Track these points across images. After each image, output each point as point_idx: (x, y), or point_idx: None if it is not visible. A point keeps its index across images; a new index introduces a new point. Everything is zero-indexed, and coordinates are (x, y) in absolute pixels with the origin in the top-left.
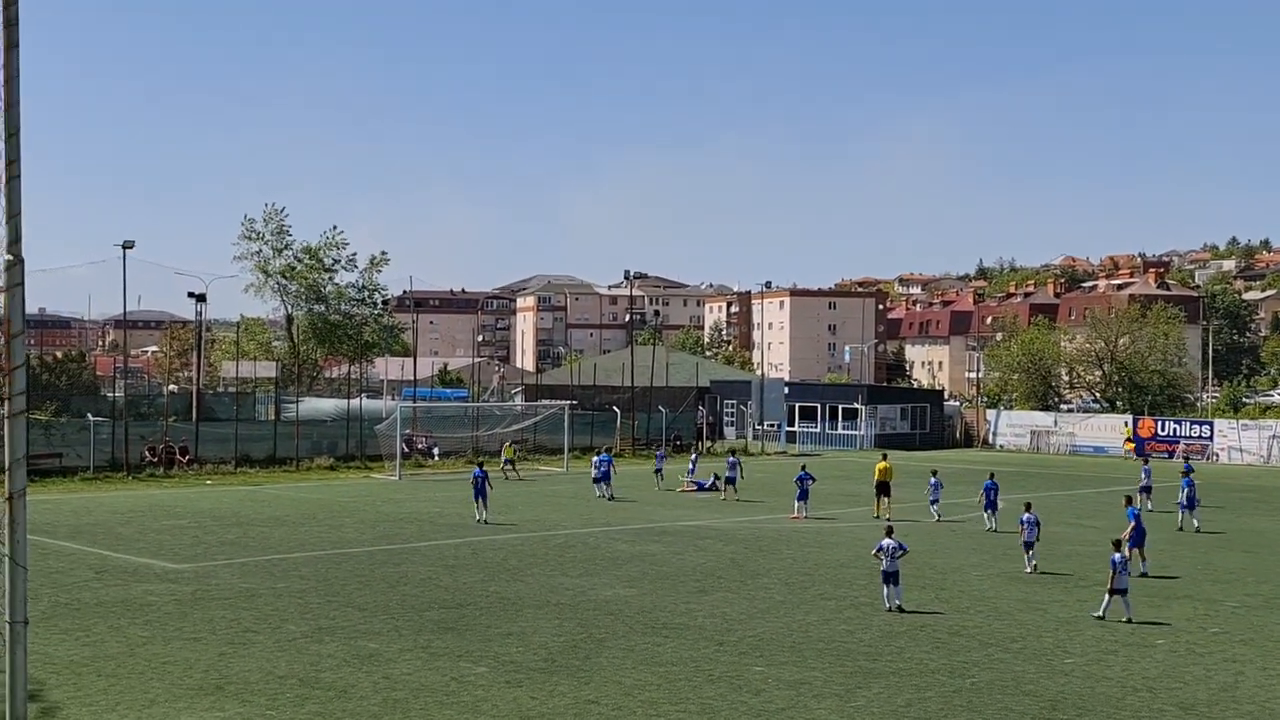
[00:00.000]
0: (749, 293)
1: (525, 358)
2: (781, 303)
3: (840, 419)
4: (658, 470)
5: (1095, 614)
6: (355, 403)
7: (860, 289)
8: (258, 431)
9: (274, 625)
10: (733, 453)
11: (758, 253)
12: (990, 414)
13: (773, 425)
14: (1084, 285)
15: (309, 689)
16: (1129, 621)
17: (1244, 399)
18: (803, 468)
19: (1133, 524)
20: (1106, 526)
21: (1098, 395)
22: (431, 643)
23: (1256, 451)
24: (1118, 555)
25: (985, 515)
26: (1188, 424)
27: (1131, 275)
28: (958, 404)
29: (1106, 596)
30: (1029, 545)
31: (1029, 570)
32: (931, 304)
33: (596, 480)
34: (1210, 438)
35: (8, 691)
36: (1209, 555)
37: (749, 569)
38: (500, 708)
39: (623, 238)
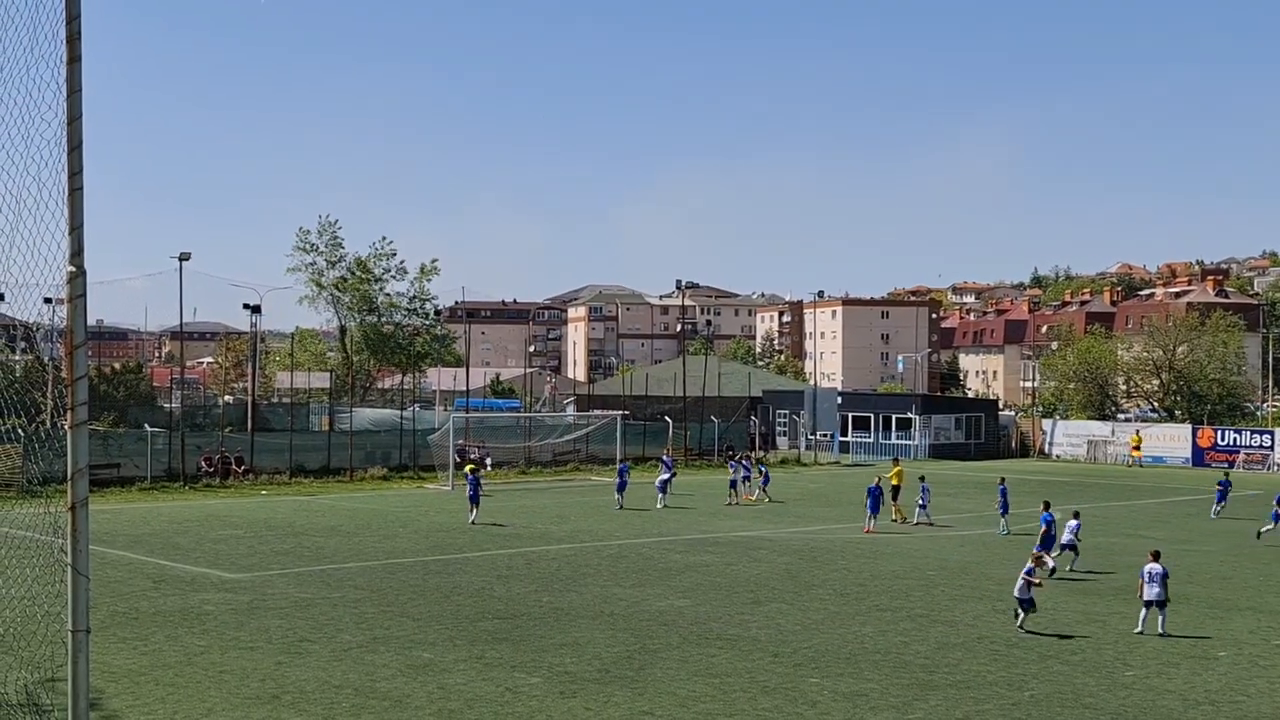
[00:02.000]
0: (801, 302)
1: (577, 368)
2: (834, 312)
3: (894, 429)
4: (734, 483)
5: (1136, 629)
6: (409, 413)
7: (913, 298)
8: (312, 442)
9: (329, 635)
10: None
11: (809, 262)
12: (1046, 423)
13: (826, 435)
14: (1141, 293)
15: (364, 699)
16: (1162, 635)
17: None
18: (921, 479)
19: (1044, 528)
20: (1166, 536)
21: (1155, 404)
22: (485, 653)
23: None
24: (1155, 567)
25: (1002, 520)
26: (1248, 433)
27: (1189, 283)
28: (1013, 414)
29: (1143, 610)
30: (1071, 548)
31: (1069, 569)
32: (986, 313)
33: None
34: (1271, 447)
35: (69, 700)
36: (1271, 566)
37: (803, 580)
38: (554, 718)
39: (674, 248)
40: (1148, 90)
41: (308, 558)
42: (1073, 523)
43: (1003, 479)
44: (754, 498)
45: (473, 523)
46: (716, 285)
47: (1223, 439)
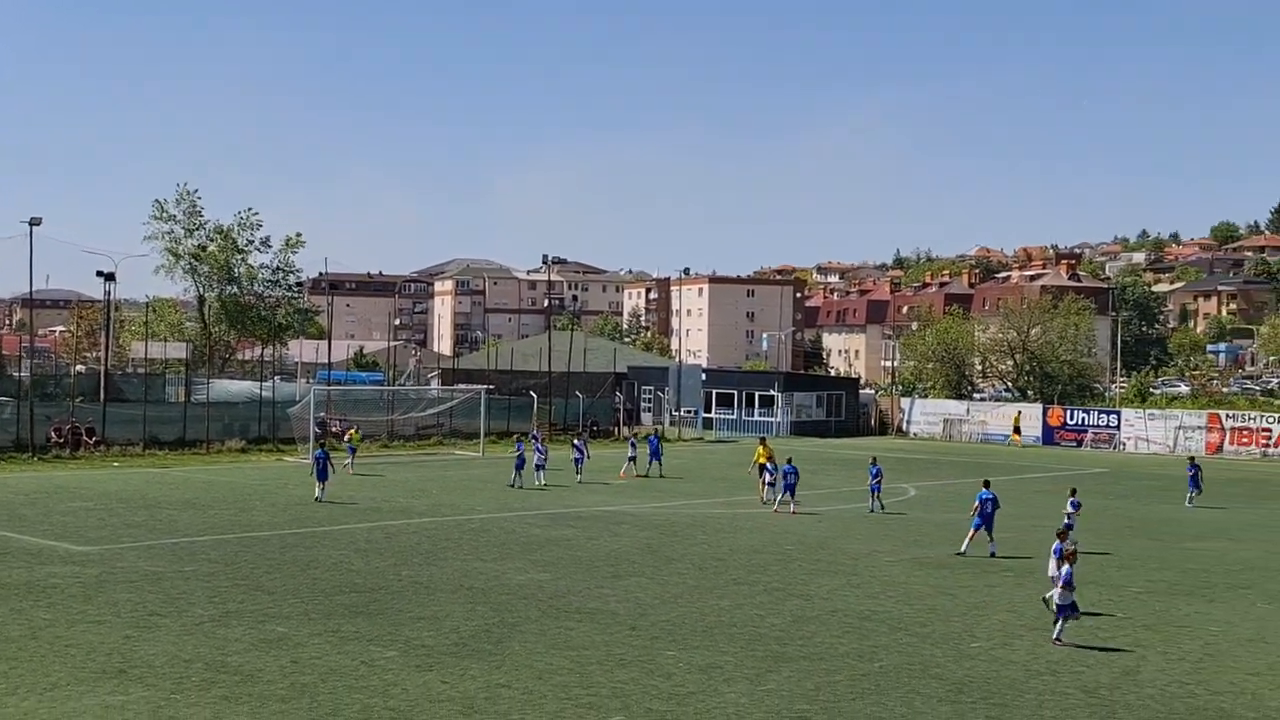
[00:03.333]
0: (668, 279)
1: (442, 342)
2: (700, 289)
3: (757, 406)
4: (577, 460)
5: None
6: (268, 385)
7: (779, 277)
8: (167, 413)
9: (180, 609)
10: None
11: (677, 240)
12: (905, 402)
13: (690, 411)
14: (998, 276)
15: (215, 673)
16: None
17: (1151, 389)
18: (873, 460)
19: (977, 505)
20: (1016, 513)
21: (1009, 384)
22: (341, 627)
23: (1162, 441)
24: (1059, 544)
25: (871, 499)
26: (1096, 413)
27: (1044, 266)
28: (873, 392)
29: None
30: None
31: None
32: (849, 293)
33: (520, 468)
34: (1118, 427)
35: None
36: (1114, 541)
37: (663, 554)
38: (410, 691)
39: (543, 223)
40: (1008, 77)
41: (160, 531)
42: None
43: (874, 458)
44: (626, 474)
45: (318, 499)
46: (584, 261)
47: (1072, 419)
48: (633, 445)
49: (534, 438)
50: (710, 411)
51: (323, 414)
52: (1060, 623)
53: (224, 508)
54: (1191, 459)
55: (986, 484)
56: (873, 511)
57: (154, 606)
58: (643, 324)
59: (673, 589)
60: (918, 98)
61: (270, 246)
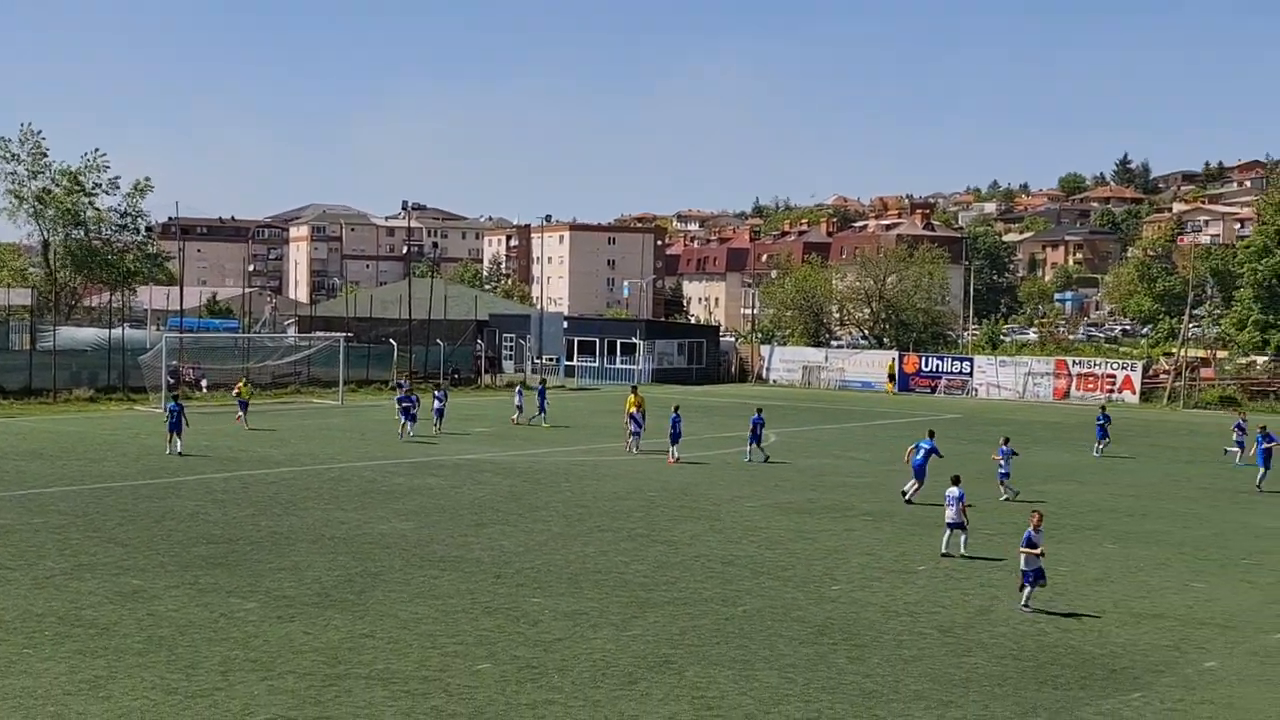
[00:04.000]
0: (528, 226)
1: (299, 289)
2: (561, 237)
3: (619, 354)
4: (438, 410)
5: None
6: (118, 332)
7: (639, 225)
8: (11, 361)
9: (30, 562)
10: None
11: (538, 187)
12: (765, 349)
13: (552, 359)
14: (855, 225)
15: (69, 627)
16: (964, 557)
17: (1002, 336)
18: (758, 411)
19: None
20: (874, 458)
21: (866, 332)
22: (199, 579)
23: (1012, 387)
24: (953, 491)
25: (748, 448)
26: (949, 360)
27: (899, 216)
28: (733, 340)
29: (945, 531)
30: (1005, 476)
31: (1006, 498)
32: (709, 241)
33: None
34: (970, 374)
35: None
36: (967, 486)
37: (527, 502)
38: (271, 643)
39: (400, 169)
40: (867, 28)
41: (7, 482)
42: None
43: (759, 409)
44: (535, 423)
45: (179, 454)
46: (443, 208)
47: (927, 365)
48: (519, 393)
49: (438, 396)
50: (572, 359)
51: (175, 362)
52: (1028, 589)
53: (73, 458)
54: (1103, 408)
55: (931, 434)
56: (749, 461)
57: (3, 560)
58: (504, 271)
59: (537, 537)
60: (776, 47)
61: (118, 189)
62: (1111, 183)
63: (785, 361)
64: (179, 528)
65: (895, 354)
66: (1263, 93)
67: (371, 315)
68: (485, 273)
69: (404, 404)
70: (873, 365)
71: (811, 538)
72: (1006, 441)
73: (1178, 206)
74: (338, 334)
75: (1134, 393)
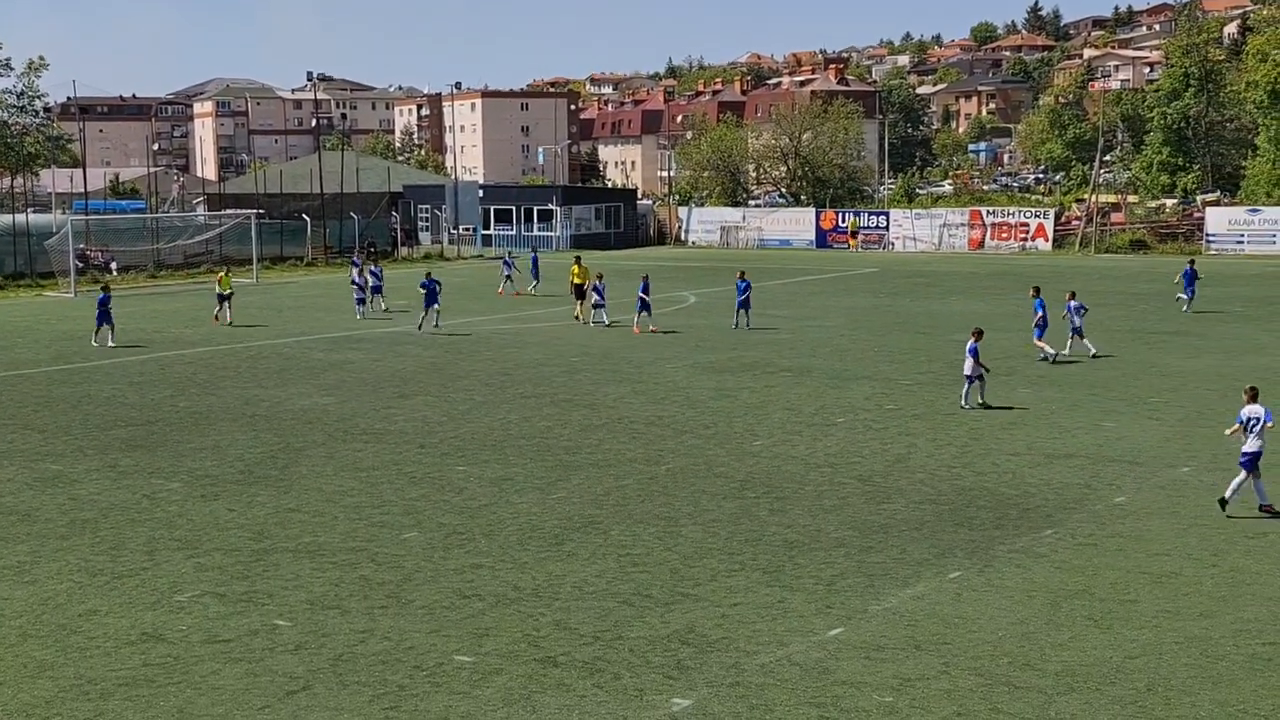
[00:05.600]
0: (439, 95)
1: (206, 166)
2: (473, 105)
3: (536, 221)
4: (376, 288)
5: (963, 405)
6: (21, 218)
7: (552, 90)
8: None
9: None
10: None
11: (447, 53)
12: (682, 211)
13: (469, 229)
14: (769, 83)
15: None
16: (984, 406)
17: (917, 190)
18: (741, 275)
19: (1039, 314)
20: (792, 314)
21: (783, 190)
22: (119, 461)
23: (928, 240)
24: (973, 344)
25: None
26: (866, 215)
27: (814, 72)
28: (651, 203)
29: (965, 384)
30: (1077, 331)
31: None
32: (623, 104)
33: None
34: (887, 228)
35: None
36: (885, 338)
37: (449, 372)
38: (196, 521)
39: (306, 39)
40: None
41: None
42: (1072, 303)
43: (742, 272)
44: (529, 291)
45: (110, 345)
46: (351, 78)
47: (844, 221)
48: (507, 264)
49: (355, 264)
50: (489, 228)
51: (82, 245)
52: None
53: None
54: (1191, 261)
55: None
56: (736, 328)
57: None
58: (416, 142)
59: (460, 406)
60: None
61: (11, 70)
62: (1023, 31)
63: (703, 223)
64: (96, 412)
65: (855, 214)
66: None
67: (282, 191)
68: (398, 144)
69: (371, 281)
70: (790, 224)
71: (733, 395)
72: (1073, 296)
73: (1088, 53)
74: (248, 211)
75: (1047, 240)
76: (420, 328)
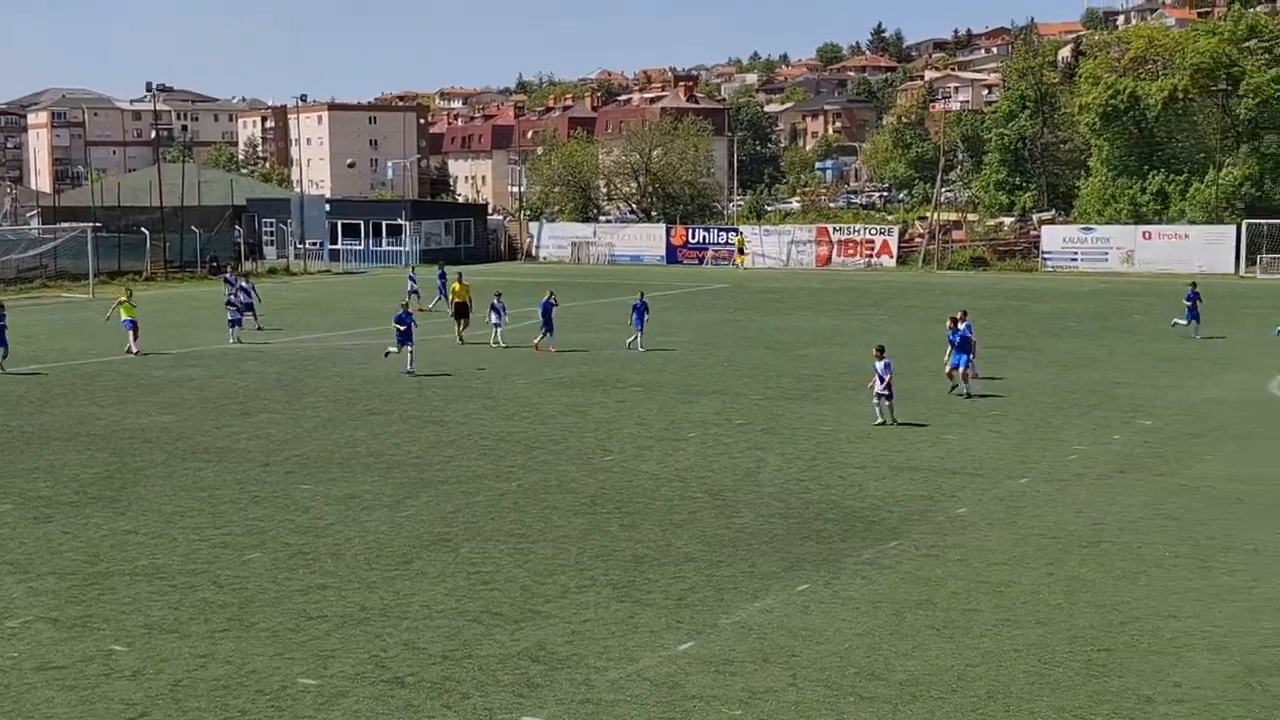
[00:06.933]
0: (285, 107)
1: (40, 178)
2: (320, 117)
3: (384, 236)
4: (248, 305)
5: (876, 422)
6: None
7: (401, 103)
8: None
9: None
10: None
11: (293, 65)
12: (533, 227)
13: (315, 244)
14: (620, 99)
15: None
16: (894, 423)
17: (766, 206)
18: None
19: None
20: (646, 330)
21: (634, 206)
22: None
23: (777, 256)
24: (879, 363)
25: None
26: (715, 231)
27: (664, 89)
28: (501, 218)
29: (874, 400)
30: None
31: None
32: (474, 119)
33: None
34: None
35: None
36: (734, 353)
37: (295, 389)
38: (29, 544)
39: (146, 49)
40: None
41: None
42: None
43: (642, 293)
44: (431, 308)
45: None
46: (194, 89)
47: (694, 237)
48: (411, 280)
49: (228, 281)
50: (336, 243)
51: None
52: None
53: None
54: (1193, 284)
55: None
56: (630, 347)
57: None
58: (260, 155)
59: (306, 423)
60: None
61: None
62: (867, 52)
63: (555, 238)
64: None
65: (743, 229)
66: None
67: (120, 204)
68: (241, 156)
69: (240, 297)
70: (642, 239)
71: (584, 411)
72: (964, 317)
73: (929, 74)
74: (84, 224)
75: (891, 257)
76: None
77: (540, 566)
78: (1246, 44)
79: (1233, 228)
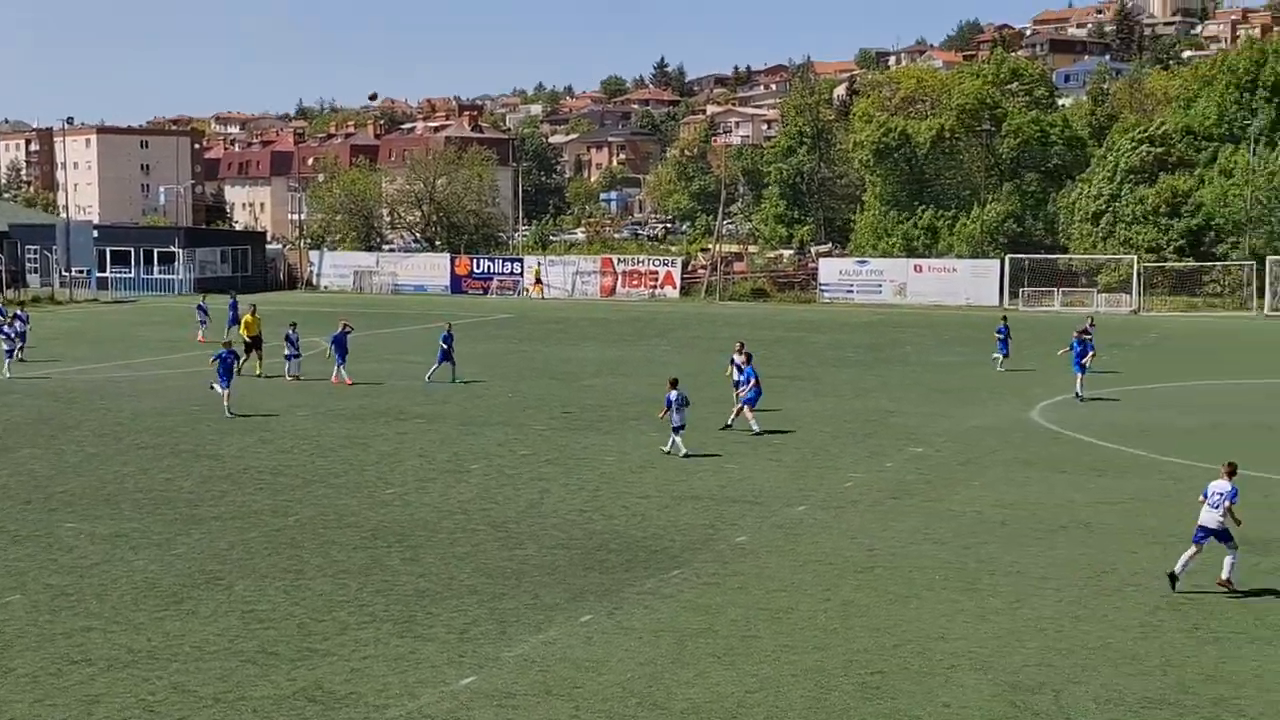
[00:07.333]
0: (50, 130)
1: None
2: (88, 141)
3: (157, 263)
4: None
5: (663, 449)
6: None
7: (174, 127)
8: None
9: None
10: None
11: (59, 87)
12: (314, 255)
13: (82, 272)
14: (403, 127)
15: None
16: (685, 455)
17: (551, 237)
18: (448, 326)
19: (752, 382)
20: (427, 360)
21: (418, 235)
22: None
23: (562, 286)
24: (673, 394)
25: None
26: (500, 261)
27: (448, 118)
28: (281, 246)
29: (672, 435)
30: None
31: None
32: (251, 144)
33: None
34: (521, 274)
35: None
36: (520, 383)
37: (58, 423)
38: None
39: None
40: None
41: None
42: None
43: (449, 324)
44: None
45: None
46: None
47: (479, 267)
48: (201, 309)
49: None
50: (105, 271)
51: None
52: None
53: None
54: (1004, 318)
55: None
56: (431, 380)
57: None
58: (24, 179)
59: (70, 459)
60: None
61: None
62: (650, 85)
63: (336, 267)
64: None
65: (536, 260)
66: (785, 3)
67: None
68: (4, 180)
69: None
70: (426, 269)
71: (365, 443)
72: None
73: (711, 109)
74: None
75: (675, 288)
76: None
77: (318, 603)
78: (1008, 86)
79: (997, 262)
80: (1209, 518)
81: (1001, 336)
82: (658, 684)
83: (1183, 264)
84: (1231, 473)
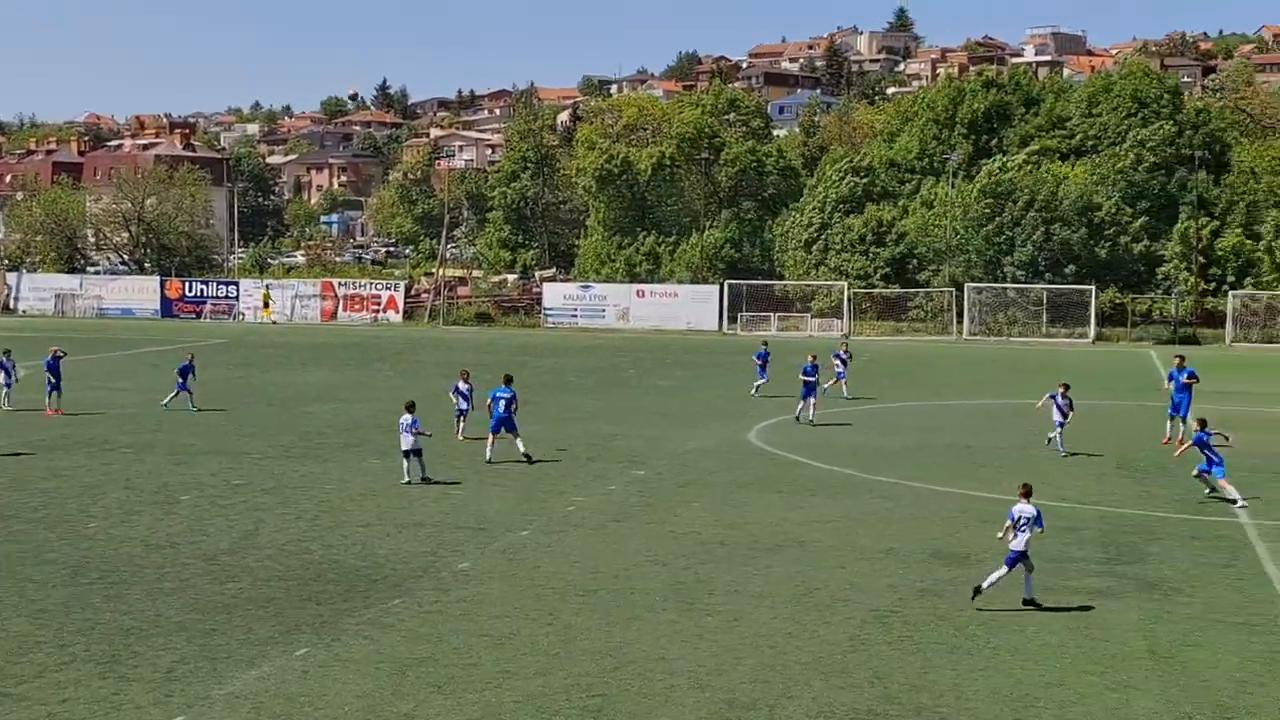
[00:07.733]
0: None
1: None
2: None
3: None
4: None
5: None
6: None
7: None
8: None
9: None
10: None
11: None
12: (12, 277)
13: None
14: (110, 144)
15: None
16: (421, 480)
17: (269, 259)
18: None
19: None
20: (136, 387)
21: (126, 257)
22: None
23: (281, 310)
24: (406, 418)
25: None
26: (215, 284)
27: (158, 135)
28: None
29: (404, 461)
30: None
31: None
32: None
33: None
34: (237, 298)
35: None
36: (235, 409)
37: None
38: None
39: None
40: None
41: None
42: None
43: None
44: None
45: None
46: None
47: (191, 290)
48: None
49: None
50: None
51: None
52: None
53: None
54: (764, 343)
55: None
56: (169, 408)
57: None
58: None
59: None
60: None
61: None
62: (372, 107)
63: (36, 290)
64: None
65: (266, 283)
66: (508, 28)
67: None
68: None
69: None
70: (134, 291)
71: (67, 475)
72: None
73: (435, 132)
74: None
75: (398, 312)
76: None
77: (13, 644)
78: (726, 116)
79: (716, 287)
80: (1019, 541)
81: (761, 362)
82: (375, 716)
83: (889, 290)
84: (1026, 494)
